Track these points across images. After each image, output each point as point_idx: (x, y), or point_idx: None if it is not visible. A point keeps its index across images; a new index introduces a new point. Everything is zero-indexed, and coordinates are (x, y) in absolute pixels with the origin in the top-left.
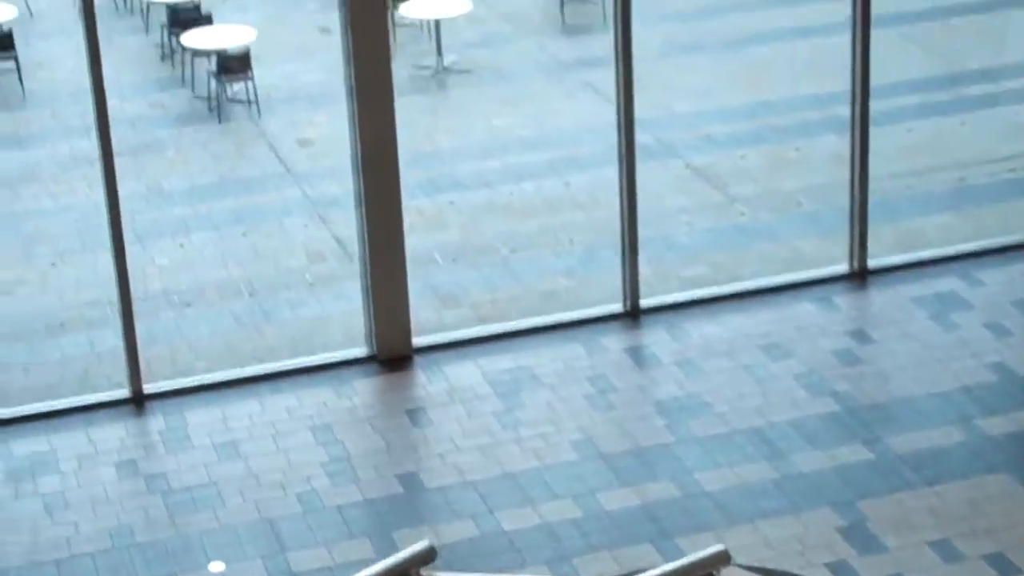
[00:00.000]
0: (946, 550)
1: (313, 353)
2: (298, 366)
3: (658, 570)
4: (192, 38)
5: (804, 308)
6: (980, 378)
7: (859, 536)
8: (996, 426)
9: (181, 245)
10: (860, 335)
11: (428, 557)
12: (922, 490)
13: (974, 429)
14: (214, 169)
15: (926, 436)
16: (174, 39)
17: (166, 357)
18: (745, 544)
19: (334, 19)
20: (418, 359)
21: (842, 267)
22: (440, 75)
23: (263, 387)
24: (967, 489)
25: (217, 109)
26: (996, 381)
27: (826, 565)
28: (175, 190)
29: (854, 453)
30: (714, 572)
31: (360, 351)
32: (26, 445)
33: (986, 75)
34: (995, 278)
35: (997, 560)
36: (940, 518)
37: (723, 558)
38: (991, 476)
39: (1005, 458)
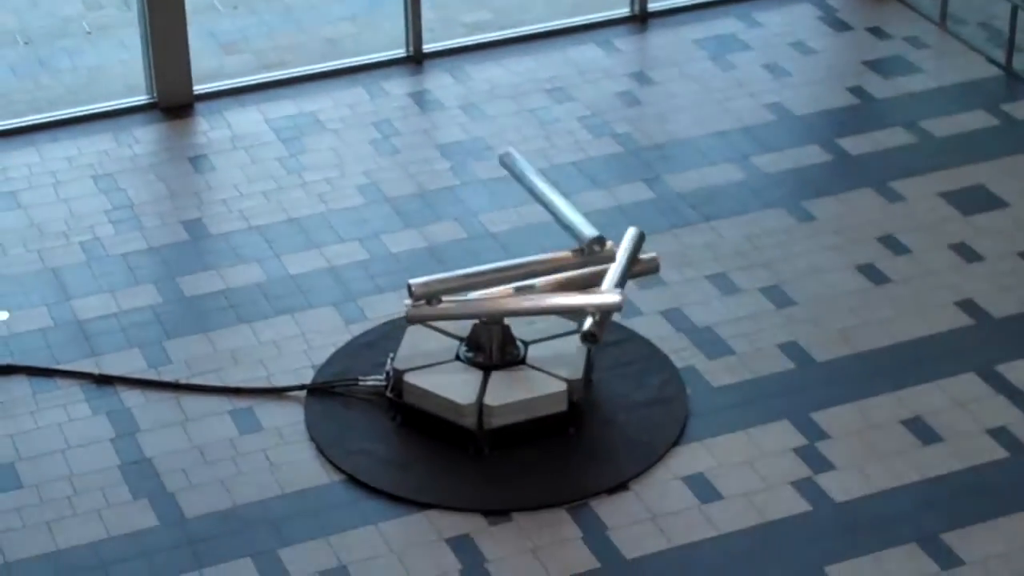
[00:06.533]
0: (723, 282)
1: (92, 103)
2: (77, 115)
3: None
4: None
5: (587, 51)
6: (758, 117)
7: None
8: (772, 164)
9: None
10: (641, 77)
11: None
12: (700, 226)
13: (751, 167)
14: None
15: (705, 174)
16: None
17: None
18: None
19: None
20: (199, 106)
21: (623, 10)
22: None
23: (41, 137)
24: (745, 224)
25: None
26: (773, 120)
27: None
28: None
29: (635, 192)
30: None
31: (141, 99)
32: None
33: None
34: (772, 19)
35: (773, 292)
36: (718, 252)
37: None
38: (768, 211)
39: (781, 194)
